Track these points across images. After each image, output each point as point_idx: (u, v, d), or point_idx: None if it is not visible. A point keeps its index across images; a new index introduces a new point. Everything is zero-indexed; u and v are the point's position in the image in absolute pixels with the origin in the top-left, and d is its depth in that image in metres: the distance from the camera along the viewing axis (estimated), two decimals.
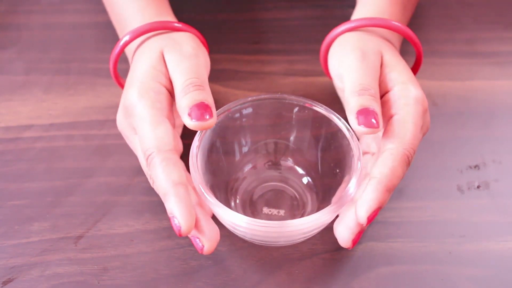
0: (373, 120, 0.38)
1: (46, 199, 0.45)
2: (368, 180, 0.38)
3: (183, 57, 0.41)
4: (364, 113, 0.38)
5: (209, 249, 0.37)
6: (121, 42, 0.44)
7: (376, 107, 0.38)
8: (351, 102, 0.39)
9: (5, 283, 0.41)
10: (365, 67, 0.41)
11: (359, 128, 0.38)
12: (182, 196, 0.36)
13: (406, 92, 0.40)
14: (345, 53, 0.43)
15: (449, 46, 0.58)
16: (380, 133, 0.42)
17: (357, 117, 0.38)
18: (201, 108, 0.38)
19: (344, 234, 0.39)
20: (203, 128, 0.38)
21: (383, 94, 0.42)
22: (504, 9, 0.62)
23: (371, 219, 0.37)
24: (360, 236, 0.39)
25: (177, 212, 0.35)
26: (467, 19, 0.61)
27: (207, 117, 0.38)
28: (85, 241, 0.43)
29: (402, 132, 0.39)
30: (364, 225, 0.37)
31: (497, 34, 0.60)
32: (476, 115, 0.52)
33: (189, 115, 0.38)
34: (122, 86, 0.47)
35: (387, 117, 0.40)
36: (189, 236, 0.38)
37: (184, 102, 0.39)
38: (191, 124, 0.38)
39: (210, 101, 0.39)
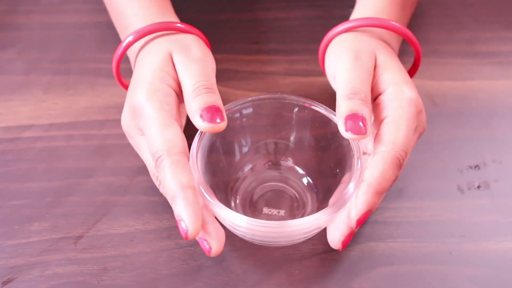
0: (361, 124, 0.38)
1: (46, 199, 0.45)
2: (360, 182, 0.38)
3: (193, 61, 0.41)
4: (353, 118, 0.38)
5: (217, 251, 0.37)
6: (124, 43, 0.43)
7: (365, 111, 0.38)
8: (341, 107, 0.39)
9: (5, 283, 0.41)
10: (357, 69, 0.41)
11: (347, 134, 0.38)
12: (190, 200, 0.36)
13: (399, 94, 0.40)
14: (339, 54, 0.43)
15: (449, 46, 0.58)
16: None
17: (345, 123, 0.38)
18: (212, 111, 0.38)
19: (334, 236, 0.39)
20: (214, 130, 0.38)
21: (376, 96, 0.42)
22: (504, 9, 0.62)
23: (361, 222, 0.37)
24: (351, 238, 0.39)
25: (185, 215, 0.35)
26: (467, 19, 0.61)
27: (218, 120, 0.38)
28: (85, 241, 0.43)
29: (394, 135, 0.38)
30: (354, 228, 0.38)
31: (497, 34, 0.60)
32: (476, 115, 0.52)
33: (201, 116, 0.38)
34: (124, 86, 0.46)
35: (380, 120, 0.40)
36: (197, 238, 0.38)
37: (195, 104, 0.39)
38: (203, 126, 0.38)
39: (220, 104, 0.39)
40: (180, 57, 0.42)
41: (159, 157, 0.37)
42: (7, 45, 0.58)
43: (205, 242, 0.37)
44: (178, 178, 0.36)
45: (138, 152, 0.43)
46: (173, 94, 0.40)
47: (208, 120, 0.38)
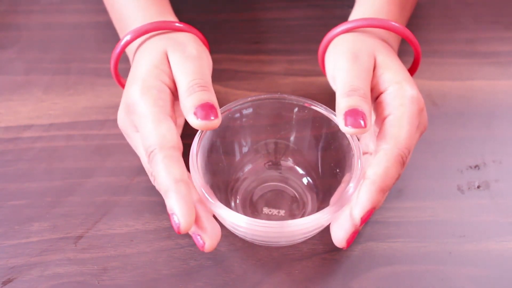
0: (361, 121, 0.38)
1: (46, 199, 0.45)
2: (363, 180, 0.38)
3: (187, 58, 0.41)
4: (352, 114, 0.38)
5: (210, 246, 0.37)
6: (122, 42, 0.44)
7: (365, 107, 0.38)
8: (340, 103, 0.39)
9: (5, 283, 0.41)
10: (356, 69, 0.41)
11: (346, 129, 0.38)
12: (183, 194, 0.36)
13: (401, 92, 0.40)
14: (338, 55, 0.43)
15: (449, 46, 0.58)
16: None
17: (345, 118, 0.38)
18: (207, 108, 0.38)
19: (338, 234, 0.39)
20: (208, 128, 0.38)
21: (378, 95, 0.42)
22: (504, 9, 0.62)
23: (365, 219, 0.37)
24: (355, 236, 0.39)
25: (177, 209, 0.35)
26: (467, 19, 0.61)
27: (212, 117, 0.38)
28: (85, 241, 0.43)
29: (397, 132, 0.39)
30: (358, 225, 0.38)
31: (497, 34, 0.60)
32: (476, 115, 0.52)
33: (195, 114, 0.38)
34: (122, 85, 0.47)
35: (382, 118, 0.40)
36: (190, 233, 0.38)
37: (189, 102, 0.39)
38: (196, 123, 0.38)
39: (215, 102, 0.39)
40: (175, 55, 0.42)
41: (151, 151, 0.37)
42: (7, 45, 0.58)
43: (199, 237, 0.37)
44: (170, 172, 0.36)
45: (134, 149, 0.43)
46: (167, 91, 0.40)
47: (202, 118, 0.38)
